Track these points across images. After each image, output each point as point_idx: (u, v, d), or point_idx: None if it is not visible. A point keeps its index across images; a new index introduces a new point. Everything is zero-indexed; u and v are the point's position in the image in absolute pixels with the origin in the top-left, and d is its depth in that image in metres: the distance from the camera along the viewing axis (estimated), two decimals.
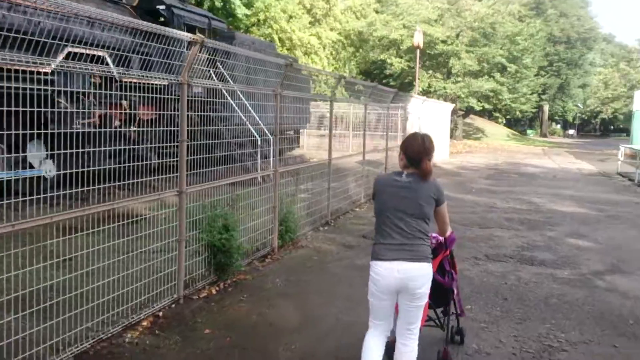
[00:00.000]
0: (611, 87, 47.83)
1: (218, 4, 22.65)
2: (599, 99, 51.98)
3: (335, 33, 32.84)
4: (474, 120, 46.27)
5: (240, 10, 23.56)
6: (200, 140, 6.20)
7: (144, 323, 4.63)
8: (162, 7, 12.31)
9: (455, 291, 4.27)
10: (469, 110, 38.11)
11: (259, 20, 27.99)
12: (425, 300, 3.50)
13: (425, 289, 3.43)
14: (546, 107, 63.06)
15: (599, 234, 9.00)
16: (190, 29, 13.08)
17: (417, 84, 27.38)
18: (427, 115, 19.23)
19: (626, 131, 42.05)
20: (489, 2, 34.80)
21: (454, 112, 36.67)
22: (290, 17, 29.87)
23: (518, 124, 71.41)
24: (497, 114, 56.42)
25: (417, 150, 3.43)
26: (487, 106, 35.71)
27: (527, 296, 5.78)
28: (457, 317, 4.50)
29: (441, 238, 3.99)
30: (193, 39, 5.36)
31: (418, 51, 25.97)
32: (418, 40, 25.74)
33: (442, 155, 23.63)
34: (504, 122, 63.73)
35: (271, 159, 7.46)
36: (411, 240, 3.39)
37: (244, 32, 28.12)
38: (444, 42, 32.51)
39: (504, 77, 33.64)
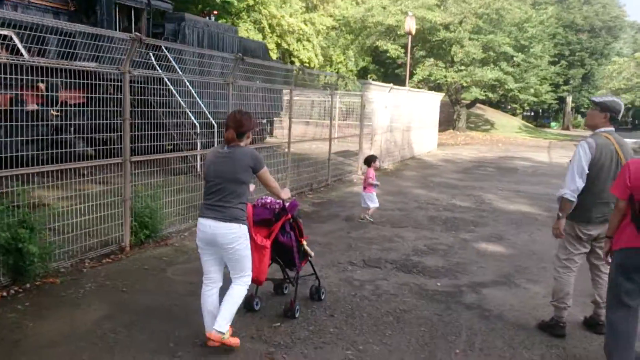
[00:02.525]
0: (626, 77, 45.38)
1: None
2: (610, 89, 49.52)
3: (331, 19, 31.80)
4: (484, 111, 44.64)
5: None
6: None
7: None
8: None
9: (295, 249, 4.65)
10: (475, 101, 36.59)
11: (248, 5, 27.19)
12: (240, 255, 3.98)
13: (236, 245, 3.92)
14: (569, 99, 60.62)
15: (522, 237, 8.02)
16: (124, 8, 12.42)
17: (408, 72, 26.13)
18: (405, 104, 18.20)
19: None
20: None
21: (457, 102, 35.38)
22: (283, 2, 28.96)
23: (541, 116, 69.22)
24: (515, 105, 54.71)
25: (228, 122, 4.00)
26: (491, 96, 34.11)
27: (364, 311, 4.92)
28: (316, 277, 5.15)
29: (284, 203, 4.58)
30: (130, 37, 6.13)
31: (410, 38, 24.80)
32: (410, 26, 24.55)
33: (429, 147, 22.57)
34: (522, 113, 61.95)
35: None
36: (224, 202, 3.92)
37: (233, 17, 27.41)
38: (446, 28, 31.12)
39: (511, 66, 32.05)
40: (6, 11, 9.98)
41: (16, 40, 7.70)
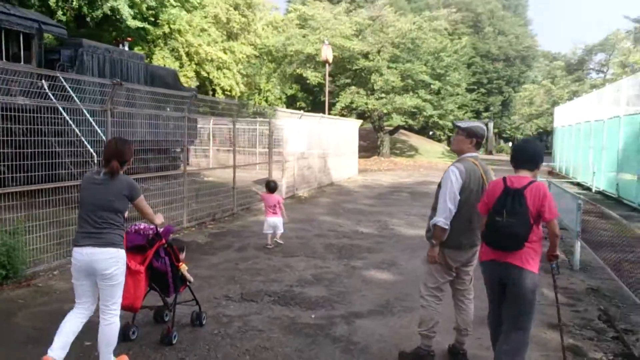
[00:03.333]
0: (536, 104, 47.80)
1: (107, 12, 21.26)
2: (522, 115, 52.09)
3: (250, 48, 31.74)
4: (409, 137, 45.68)
5: (131, 23, 22.19)
6: None
7: None
8: None
9: (169, 274, 4.63)
10: (398, 127, 37.36)
11: (164, 33, 26.69)
12: (117, 281, 3.97)
13: (113, 270, 3.92)
14: (490, 125, 63.06)
15: (413, 263, 7.92)
16: (10, 33, 11.75)
17: (327, 99, 26.33)
18: (320, 131, 18.18)
19: None
20: (414, 18, 34.31)
21: (380, 129, 35.99)
22: (202, 30, 28.64)
23: None
24: (439, 132, 56.34)
25: (108, 152, 4.00)
26: (411, 122, 34.95)
27: (221, 352, 4.59)
28: (197, 303, 5.10)
29: (158, 229, 4.54)
30: None
31: (327, 66, 25.06)
32: (326, 54, 24.85)
33: (349, 173, 22.63)
34: (446, 139, 63.87)
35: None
36: (99, 229, 3.92)
37: (149, 45, 26.80)
38: (365, 57, 31.73)
39: (429, 93, 33.00)
40: None
41: None
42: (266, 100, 42.18)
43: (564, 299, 6.33)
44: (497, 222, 3.81)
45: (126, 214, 4.17)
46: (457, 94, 35.29)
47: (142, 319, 5.09)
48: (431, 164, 34.39)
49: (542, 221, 3.87)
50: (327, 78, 25.15)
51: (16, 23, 11.79)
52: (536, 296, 3.95)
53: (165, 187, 10.16)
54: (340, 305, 5.91)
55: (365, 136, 44.62)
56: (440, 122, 35.06)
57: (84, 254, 3.90)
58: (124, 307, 4.23)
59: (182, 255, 4.92)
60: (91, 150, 11.04)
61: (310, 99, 46.52)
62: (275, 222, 8.74)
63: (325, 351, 4.66)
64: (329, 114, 33.86)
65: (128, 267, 4.23)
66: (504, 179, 3.97)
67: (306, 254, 8.27)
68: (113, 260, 3.92)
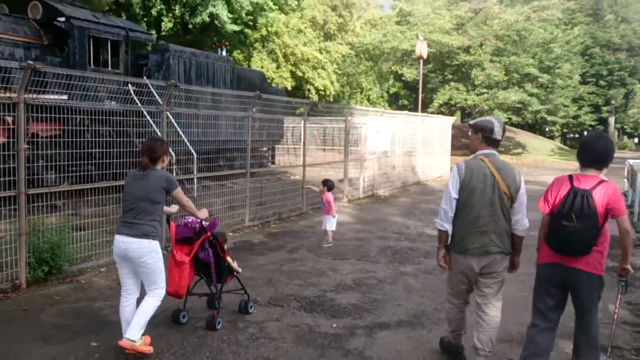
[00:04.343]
0: None
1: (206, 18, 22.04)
2: None
3: (347, 47, 31.59)
4: (516, 134, 43.22)
5: (230, 27, 22.88)
6: None
7: None
8: (61, 19, 11.71)
9: (213, 265, 4.93)
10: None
11: (262, 35, 27.32)
12: (151, 269, 4.32)
13: (147, 259, 4.27)
14: (611, 119, 58.38)
15: None
16: (98, 41, 12.42)
17: (420, 97, 25.45)
18: (405, 129, 17.63)
19: None
20: (521, 8, 32.40)
21: None
22: (299, 31, 28.99)
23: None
24: (552, 128, 52.96)
25: (142, 149, 4.43)
26: (515, 119, 32.96)
27: None
28: (245, 292, 5.44)
29: (202, 222, 4.86)
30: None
31: (421, 62, 24.26)
32: (421, 50, 24.07)
33: (439, 172, 21.71)
34: (560, 136, 59.85)
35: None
36: (137, 220, 4.28)
37: (248, 48, 27.52)
38: (466, 51, 30.42)
39: (535, 87, 30.97)
40: None
41: None
42: (368, 99, 41.89)
43: (629, 317, 5.49)
44: (565, 227, 3.61)
45: (175, 209, 4.82)
46: (568, 88, 32.77)
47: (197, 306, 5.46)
48: (536, 162, 32.25)
49: (610, 218, 3.66)
50: (422, 74, 24.36)
51: (104, 31, 12.44)
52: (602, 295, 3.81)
53: (229, 186, 10.25)
54: (369, 315, 5.52)
55: (467, 133, 42.94)
56: (549, 117, 32.81)
57: (120, 242, 4.30)
58: (169, 294, 4.69)
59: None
60: (170, 151, 11.45)
61: (413, 96, 45.57)
62: (326, 220, 8.69)
63: None
64: (426, 111, 32.98)
65: (174, 257, 4.73)
66: (570, 177, 3.77)
67: (357, 257, 7.91)
68: (145, 251, 4.25)
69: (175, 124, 10.41)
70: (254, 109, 10.75)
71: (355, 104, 39.49)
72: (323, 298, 6.01)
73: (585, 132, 59.72)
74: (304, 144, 12.03)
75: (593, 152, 3.79)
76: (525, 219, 4.04)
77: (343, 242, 8.86)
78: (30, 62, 6.05)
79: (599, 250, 3.65)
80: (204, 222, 4.90)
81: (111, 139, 8.28)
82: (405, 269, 7.28)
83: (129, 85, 11.13)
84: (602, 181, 3.68)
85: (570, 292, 3.78)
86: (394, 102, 51.84)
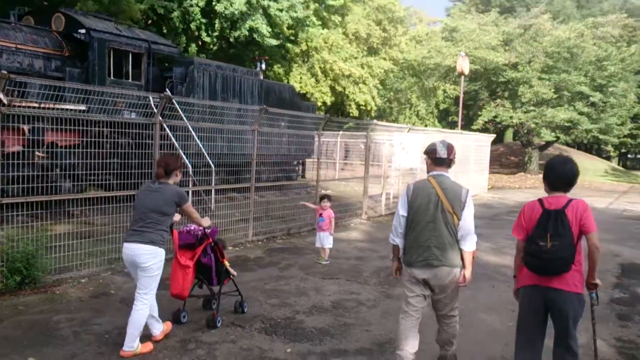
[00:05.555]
0: None
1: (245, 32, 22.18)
2: None
3: (390, 63, 31.25)
4: (566, 153, 41.45)
5: (269, 41, 22.95)
6: None
7: None
8: (82, 31, 11.97)
9: (213, 268, 5.33)
10: (549, 142, 33.86)
11: (302, 50, 27.38)
12: (152, 274, 4.62)
13: (150, 264, 4.57)
14: None
15: (471, 293, 6.77)
16: (120, 52, 12.62)
17: (460, 113, 24.75)
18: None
19: None
20: (575, 24, 31.20)
21: (528, 143, 33.09)
22: (341, 47, 28.90)
23: None
24: (608, 148, 50.65)
25: (157, 162, 4.95)
26: (563, 138, 31.53)
27: None
28: (239, 293, 5.81)
29: (204, 230, 5.26)
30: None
31: (462, 78, 23.62)
32: (462, 66, 23.47)
33: (475, 190, 20.93)
34: (617, 157, 57.22)
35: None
36: (145, 228, 4.58)
37: (289, 62, 27.61)
38: (513, 67, 29.47)
39: (585, 105, 29.60)
40: None
41: None
42: (417, 115, 41.33)
43: (615, 356, 4.93)
44: (541, 248, 3.67)
45: (177, 217, 5.09)
46: (622, 107, 31.16)
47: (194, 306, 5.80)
48: (583, 183, 30.67)
49: (582, 235, 3.75)
50: (462, 90, 23.72)
51: (125, 43, 12.64)
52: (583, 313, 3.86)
53: (235, 200, 10.10)
54: (331, 340, 5.18)
55: (517, 151, 41.54)
56: (601, 137, 31.29)
57: (129, 249, 4.58)
58: (173, 295, 5.13)
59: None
60: (186, 161, 11.44)
61: (463, 112, 44.68)
62: (324, 237, 8.40)
63: None
64: (471, 128, 32.08)
65: (178, 262, 5.05)
66: (540, 200, 3.88)
67: (347, 277, 7.55)
68: (151, 256, 4.55)
69: (171, 136, 10.38)
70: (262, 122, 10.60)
71: (404, 120, 39.03)
72: (291, 320, 5.71)
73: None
74: (318, 158, 11.78)
75: (561, 176, 3.87)
76: (470, 235, 4.20)
77: (341, 261, 8.53)
78: (4, 72, 6.04)
79: (577, 270, 3.74)
80: (206, 230, 5.28)
81: (105, 150, 8.40)
82: (392, 292, 6.87)
83: (150, 97, 11.17)
84: (571, 199, 3.77)
85: (552, 312, 3.82)
86: (443, 118, 50.96)
